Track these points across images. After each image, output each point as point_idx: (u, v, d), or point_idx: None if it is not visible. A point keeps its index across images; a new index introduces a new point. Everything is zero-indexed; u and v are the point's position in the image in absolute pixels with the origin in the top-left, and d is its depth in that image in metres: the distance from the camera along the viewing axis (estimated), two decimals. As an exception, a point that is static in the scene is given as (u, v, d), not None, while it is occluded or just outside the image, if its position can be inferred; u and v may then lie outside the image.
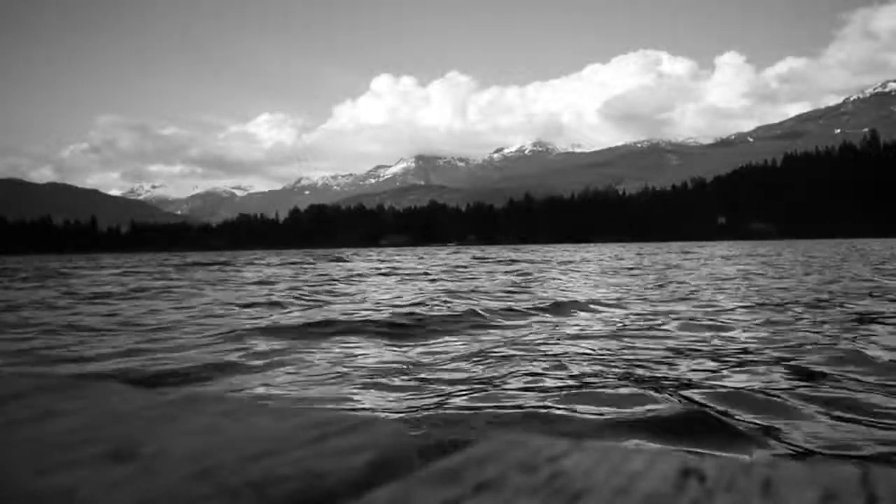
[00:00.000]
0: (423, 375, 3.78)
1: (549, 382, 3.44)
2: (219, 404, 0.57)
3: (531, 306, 7.39)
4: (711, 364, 3.87)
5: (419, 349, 4.85)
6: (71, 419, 0.52)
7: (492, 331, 5.73)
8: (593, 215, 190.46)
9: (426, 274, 16.49)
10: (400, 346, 4.99)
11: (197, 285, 13.58)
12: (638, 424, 2.62)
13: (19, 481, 0.40)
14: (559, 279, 13.17)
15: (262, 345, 5.05)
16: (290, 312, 7.70)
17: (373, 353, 4.75)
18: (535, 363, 3.97)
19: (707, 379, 3.46)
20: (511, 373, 3.72)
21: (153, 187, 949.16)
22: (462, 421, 2.78)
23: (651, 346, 4.56)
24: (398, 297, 9.43)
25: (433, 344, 5.09)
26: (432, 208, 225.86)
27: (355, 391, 3.43)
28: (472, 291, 10.00)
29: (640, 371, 3.68)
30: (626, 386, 3.27)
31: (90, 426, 0.50)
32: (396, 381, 3.65)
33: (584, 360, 4.02)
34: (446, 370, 3.94)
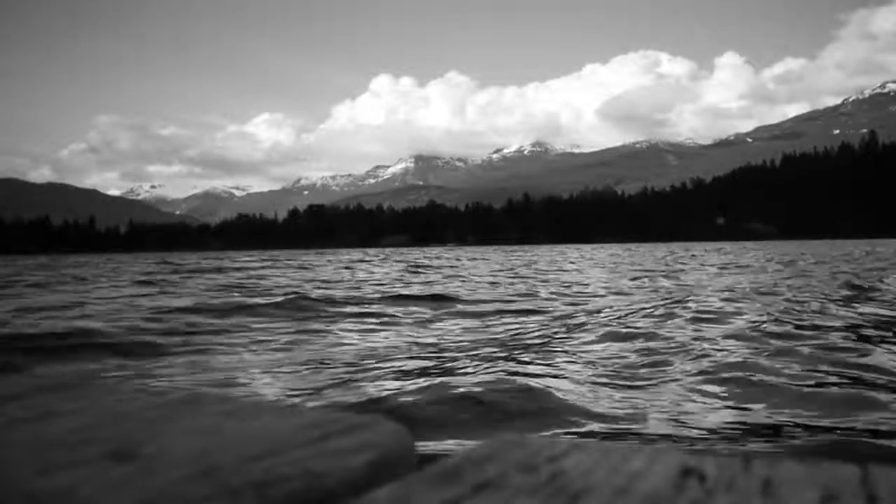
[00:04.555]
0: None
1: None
2: (219, 404, 0.57)
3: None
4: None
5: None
6: (71, 419, 0.52)
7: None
8: (592, 216, 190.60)
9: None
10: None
11: None
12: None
13: (19, 481, 0.40)
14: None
15: None
16: None
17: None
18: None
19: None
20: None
21: (152, 187, 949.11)
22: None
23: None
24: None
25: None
26: (431, 208, 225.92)
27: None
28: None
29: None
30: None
31: (90, 426, 0.50)
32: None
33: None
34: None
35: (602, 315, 6.38)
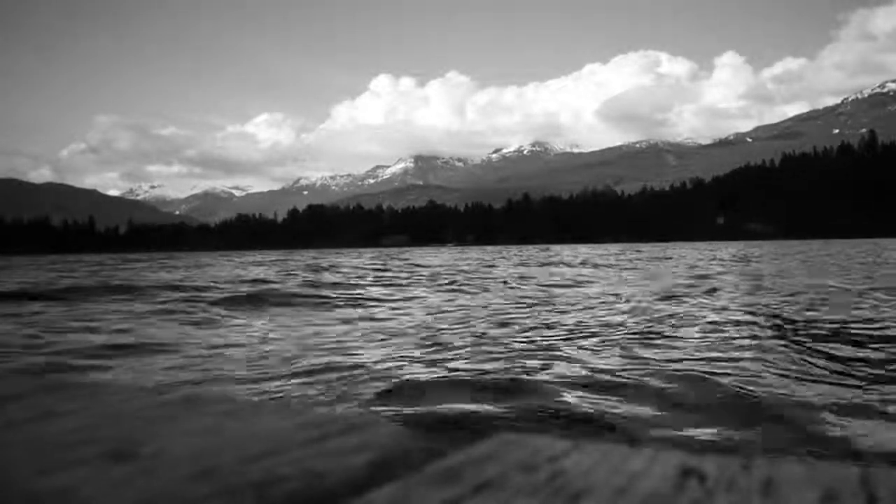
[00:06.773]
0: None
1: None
2: (219, 404, 0.57)
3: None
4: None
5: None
6: (71, 419, 0.52)
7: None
8: (592, 215, 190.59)
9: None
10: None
11: None
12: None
13: (19, 481, 0.40)
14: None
15: None
16: None
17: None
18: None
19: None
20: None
21: (152, 187, 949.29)
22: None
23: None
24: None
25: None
26: (431, 208, 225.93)
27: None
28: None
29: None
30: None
31: (90, 426, 0.50)
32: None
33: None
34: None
35: None
